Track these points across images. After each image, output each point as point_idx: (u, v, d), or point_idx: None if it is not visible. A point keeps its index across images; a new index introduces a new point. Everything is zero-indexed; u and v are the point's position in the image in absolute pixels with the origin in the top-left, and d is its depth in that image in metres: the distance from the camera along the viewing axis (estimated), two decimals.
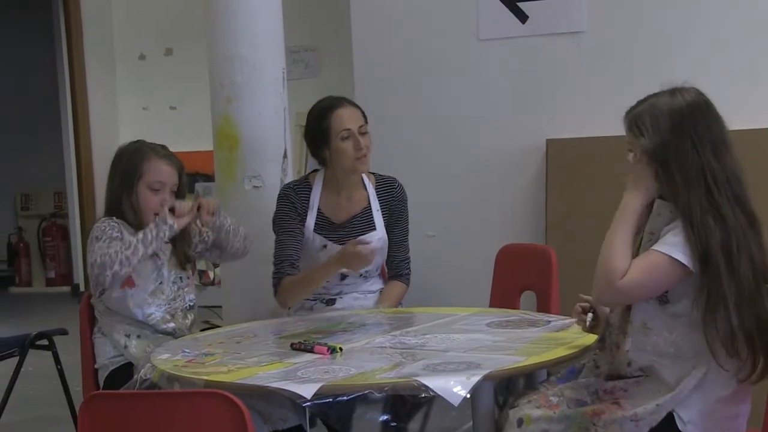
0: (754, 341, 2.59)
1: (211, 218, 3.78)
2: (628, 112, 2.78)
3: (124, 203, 3.69)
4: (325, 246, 3.99)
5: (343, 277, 4.01)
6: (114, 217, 3.69)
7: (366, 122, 4.00)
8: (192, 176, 8.55)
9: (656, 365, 2.67)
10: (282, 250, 4.00)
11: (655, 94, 2.76)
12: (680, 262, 2.59)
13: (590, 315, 2.87)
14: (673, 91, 2.74)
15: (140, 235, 3.58)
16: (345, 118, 3.94)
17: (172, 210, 3.66)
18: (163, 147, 3.80)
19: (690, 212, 2.61)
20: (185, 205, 3.70)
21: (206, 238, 3.89)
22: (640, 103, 2.77)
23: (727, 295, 2.56)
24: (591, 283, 2.69)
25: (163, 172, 3.72)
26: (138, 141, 3.82)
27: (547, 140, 4.67)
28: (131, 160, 3.72)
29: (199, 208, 3.73)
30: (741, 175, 2.70)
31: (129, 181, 3.70)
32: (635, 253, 2.70)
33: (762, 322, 2.60)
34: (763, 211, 4.16)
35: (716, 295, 2.57)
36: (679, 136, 2.66)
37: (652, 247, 2.63)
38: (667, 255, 2.60)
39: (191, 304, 3.83)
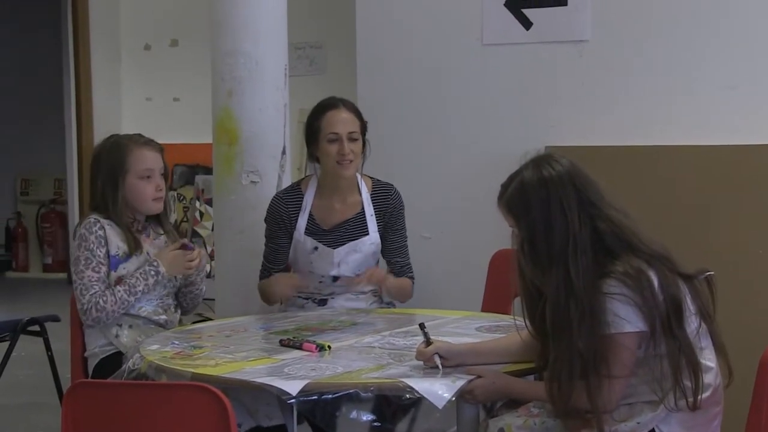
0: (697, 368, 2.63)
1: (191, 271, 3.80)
2: (501, 196, 2.79)
3: (112, 201, 3.66)
4: (316, 248, 3.99)
5: (335, 278, 4.02)
6: (99, 217, 3.66)
7: (362, 129, 4.00)
8: (192, 168, 8.56)
9: (634, 393, 2.67)
10: (266, 260, 4.10)
11: (520, 170, 2.77)
12: (632, 332, 2.61)
13: (437, 356, 2.82)
14: (537, 163, 2.75)
15: (131, 281, 3.58)
16: (335, 122, 3.94)
17: (183, 247, 3.68)
18: (140, 135, 3.78)
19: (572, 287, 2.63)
20: (196, 254, 3.73)
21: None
22: (510, 180, 2.78)
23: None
24: None
25: (149, 159, 3.71)
26: (113, 136, 3.79)
27: (547, 147, 4.66)
28: (112, 156, 3.69)
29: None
30: (629, 222, 2.72)
31: (115, 177, 3.66)
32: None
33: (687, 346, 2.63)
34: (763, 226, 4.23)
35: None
36: (547, 209, 2.67)
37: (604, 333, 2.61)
38: (617, 333, 2.60)
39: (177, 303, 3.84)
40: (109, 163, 3.68)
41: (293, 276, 4.03)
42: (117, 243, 3.64)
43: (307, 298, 4.05)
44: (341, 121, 3.95)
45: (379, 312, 3.90)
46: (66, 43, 9.82)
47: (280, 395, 2.64)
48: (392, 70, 5.00)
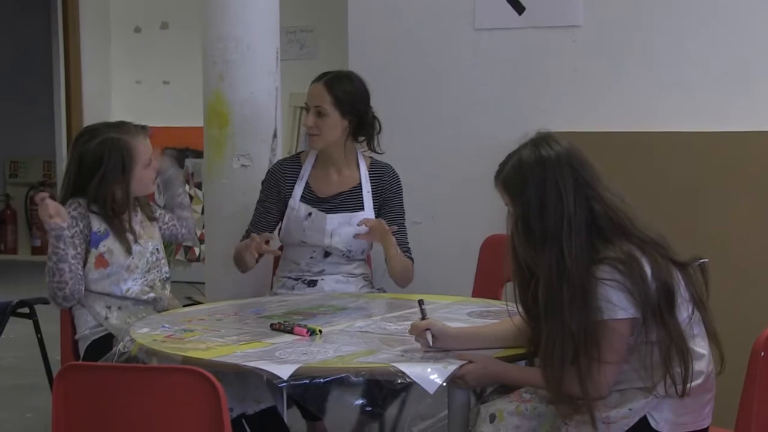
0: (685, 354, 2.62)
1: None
2: (498, 175, 2.79)
3: (112, 196, 3.65)
4: (309, 214, 3.99)
5: (327, 254, 4.01)
6: (80, 200, 3.65)
7: (338, 104, 3.95)
8: (182, 152, 8.52)
9: (626, 380, 2.68)
10: (251, 224, 4.09)
11: (519, 149, 2.77)
12: (625, 319, 2.61)
13: (429, 332, 2.82)
14: (536, 143, 2.74)
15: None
16: (309, 94, 4.02)
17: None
18: (125, 123, 3.75)
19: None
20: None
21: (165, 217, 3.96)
22: (508, 158, 2.78)
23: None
24: None
25: (149, 146, 3.76)
26: (97, 131, 3.71)
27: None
28: (117, 155, 3.64)
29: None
30: (624, 207, 2.71)
31: (124, 173, 3.64)
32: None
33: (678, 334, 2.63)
34: (758, 212, 4.23)
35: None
36: (543, 188, 2.67)
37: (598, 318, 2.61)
38: (610, 320, 2.60)
39: (167, 275, 3.83)
40: (117, 161, 3.64)
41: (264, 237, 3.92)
42: (99, 220, 3.66)
43: (297, 279, 4.04)
44: (310, 94, 4.01)
45: (371, 297, 3.89)
46: (56, 25, 9.78)
47: (271, 379, 2.63)
48: (383, 55, 4.98)
